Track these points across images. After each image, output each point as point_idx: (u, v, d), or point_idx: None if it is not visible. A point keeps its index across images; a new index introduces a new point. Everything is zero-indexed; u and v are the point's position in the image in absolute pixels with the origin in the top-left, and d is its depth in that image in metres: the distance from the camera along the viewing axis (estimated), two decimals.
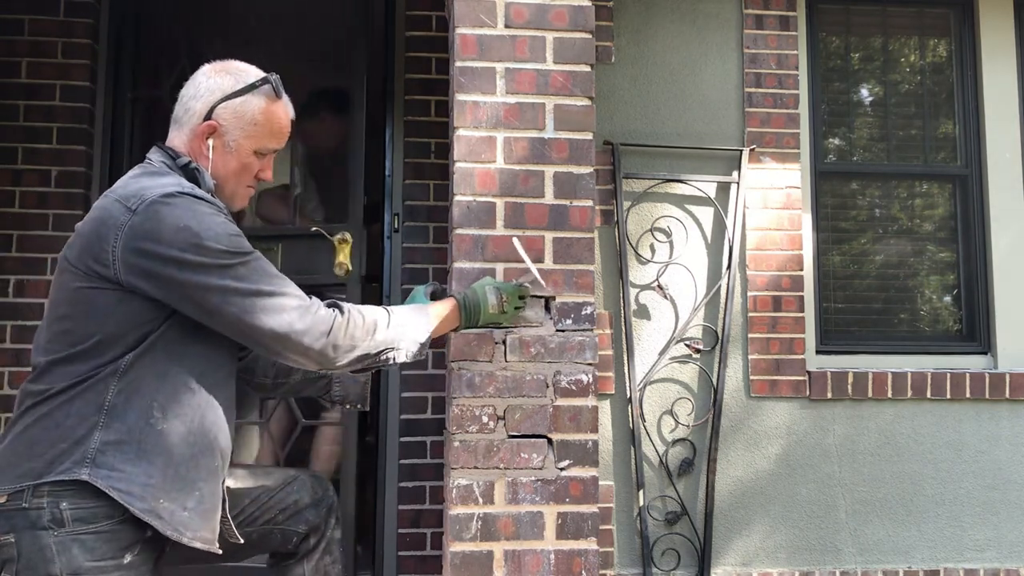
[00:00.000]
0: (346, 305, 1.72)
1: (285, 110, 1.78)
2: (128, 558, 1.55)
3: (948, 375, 3.30)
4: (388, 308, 1.80)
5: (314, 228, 2.87)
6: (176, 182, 1.63)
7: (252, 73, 1.75)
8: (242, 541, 1.84)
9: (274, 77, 1.75)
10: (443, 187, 3.42)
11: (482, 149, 2.16)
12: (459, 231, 2.14)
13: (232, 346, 1.72)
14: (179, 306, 1.59)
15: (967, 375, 3.31)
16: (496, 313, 1.94)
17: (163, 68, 3.50)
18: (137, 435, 1.56)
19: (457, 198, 2.15)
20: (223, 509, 1.77)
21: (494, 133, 2.17)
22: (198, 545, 1.62)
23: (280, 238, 3.31)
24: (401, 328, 1.77)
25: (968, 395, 3.30)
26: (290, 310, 1.62)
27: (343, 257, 3.15)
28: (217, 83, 1.71)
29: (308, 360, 1.67)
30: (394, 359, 1.76)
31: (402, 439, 3.36)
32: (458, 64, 2.19)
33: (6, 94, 3.29)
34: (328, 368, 1.71)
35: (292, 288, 1.66)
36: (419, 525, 3.32)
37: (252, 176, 1.77)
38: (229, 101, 1.70)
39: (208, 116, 1.70)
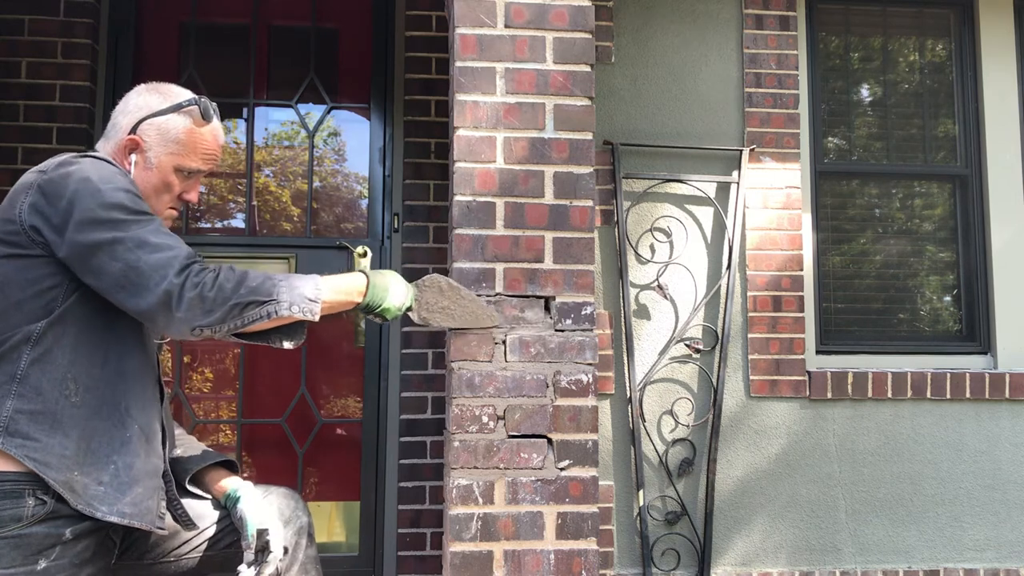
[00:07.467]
0: (225, 265, 1.69)
1: (213, 134, 1.80)
2: (43, 564, 1.53)
3: (948, 375, 3.31)
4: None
5: (340, 242, 3.18)
6: None
7: (181, 94, 1.78)
8: (198, 526, 1.83)
9: (203, 100, 1.78)
10: (443, 187, 3.42)
11: (482, 149, 2.16)
12: (459, 231, 2.14)
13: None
14: (69, 260, 1.58)
15: (967, 375, 3.31)
16: (396, 308, 1.89)
17: (165, 71, 3.50)
18: (52, 407, 1.56)
19: (457, 198, 2.15)
20: (171, 489, 1.75)
21: (494, 133, 2.17)
22: (114, 520, 1.60)
23: (295, 248, 3.49)
24: (282, 283, 1.70)
25: (968, 395, 3.30)
26: (173, 261, 1.59)
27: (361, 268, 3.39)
28: (145, 101, 1.76)
29: (185, 315, 1.58)
30: (275, 312, 1.67)
31: (402, 439, 3.36)
32: (458, 64, 2.18)
33: (6, 94, 3.29)
34: (199, 324, 1.61)
35: (178, 243, 1.63)
36: (419, 525, 3.32)
37: (174, 196, 1.79)
38: (154, 119, 1.74)
39: (132, 131, 1.73)
